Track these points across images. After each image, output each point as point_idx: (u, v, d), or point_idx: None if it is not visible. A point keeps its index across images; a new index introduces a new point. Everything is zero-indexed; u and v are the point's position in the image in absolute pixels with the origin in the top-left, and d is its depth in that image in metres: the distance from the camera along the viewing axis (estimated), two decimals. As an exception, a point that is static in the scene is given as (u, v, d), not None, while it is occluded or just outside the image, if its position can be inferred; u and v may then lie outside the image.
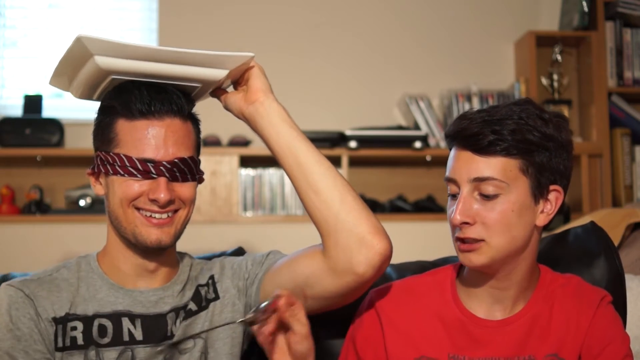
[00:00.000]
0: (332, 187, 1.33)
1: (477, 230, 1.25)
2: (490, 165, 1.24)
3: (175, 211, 1.33)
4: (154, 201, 1.29)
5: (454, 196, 1.29)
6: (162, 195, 1.28)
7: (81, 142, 3.29)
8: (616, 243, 2.38)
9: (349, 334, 1.42)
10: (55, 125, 3.19)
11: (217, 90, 1.42)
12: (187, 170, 1.32)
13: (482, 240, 1.25)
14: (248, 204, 3.30)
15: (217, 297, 1.41)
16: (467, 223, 1.25)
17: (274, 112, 1.36)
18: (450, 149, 1.32)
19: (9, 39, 3.44)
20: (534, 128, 1.24)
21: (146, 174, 1.29)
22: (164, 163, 1.29)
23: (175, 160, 1.30)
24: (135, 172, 1.28)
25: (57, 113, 3.27)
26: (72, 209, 3.25)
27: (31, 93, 3.25)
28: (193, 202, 1.36)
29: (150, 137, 1.29)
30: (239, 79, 1.40)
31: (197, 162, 1.36)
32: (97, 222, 3.14)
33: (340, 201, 1.32)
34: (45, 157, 3.22)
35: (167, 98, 1.31)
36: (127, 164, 1.28)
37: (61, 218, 3.21)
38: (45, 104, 3.26)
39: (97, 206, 3.21)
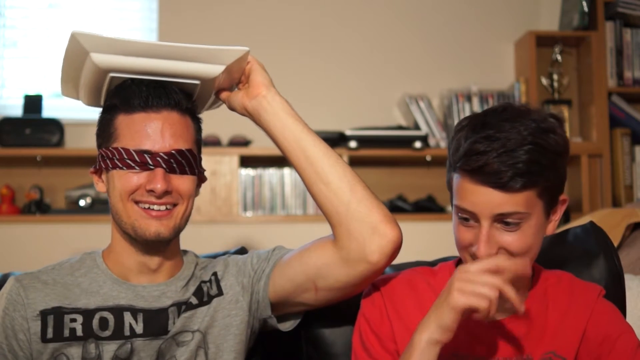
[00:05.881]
0: (341, 177, 1.34)
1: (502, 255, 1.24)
2: (512, 201, 1.22)
3: (174, 205, 1.34)
4: (150, 192, 1.31)
5: (466, 219, 1.27)
6: (159, 186, 1.29)
7: (81, 142, 3.29)
8: (616, 243, 2.38)
9: (359, 323, 1.39)
10: (55, 125, 3.19)
11: (221, 93, 1.43)
12: (185, 162, 1.33)
13: None
14: (248, 204, 3.30)
15: (220, 293, 1.42)
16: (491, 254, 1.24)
17: (278, 106, 1.37)
18: (455, 172, 1.28)
19: (9, 39, 3.44)
20: (543, 148, 1.22)
21: (143, 165, 1.30)
22: (161, 154, 1.31)
23: (173, 151, 1.31)
24: (132, 164, 1.30)
25: (57, 113, 3.27)
26: (72, 209, 3.25)
27: (31, 93, 3.25)
28: (192, 197, 1.37)
29: (148, 129, 1.31)
30: (241, 78, 1.41)
31: (197, 157, 1.37)
32: (97, 222, 3.14)
33: (350, 191, 1.33)
34: (45, 157, 3.22)
35: (165, 92, 1.33)
36: (125, 157, 1.30)
37: (61, 218, 3.21)
38: (45, 104, 3.26)
39: (97, 206, 3.21)
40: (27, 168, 3.30)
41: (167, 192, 1.32)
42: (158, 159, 1.30)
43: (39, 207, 3.20)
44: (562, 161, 1.27)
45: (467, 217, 1.26)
